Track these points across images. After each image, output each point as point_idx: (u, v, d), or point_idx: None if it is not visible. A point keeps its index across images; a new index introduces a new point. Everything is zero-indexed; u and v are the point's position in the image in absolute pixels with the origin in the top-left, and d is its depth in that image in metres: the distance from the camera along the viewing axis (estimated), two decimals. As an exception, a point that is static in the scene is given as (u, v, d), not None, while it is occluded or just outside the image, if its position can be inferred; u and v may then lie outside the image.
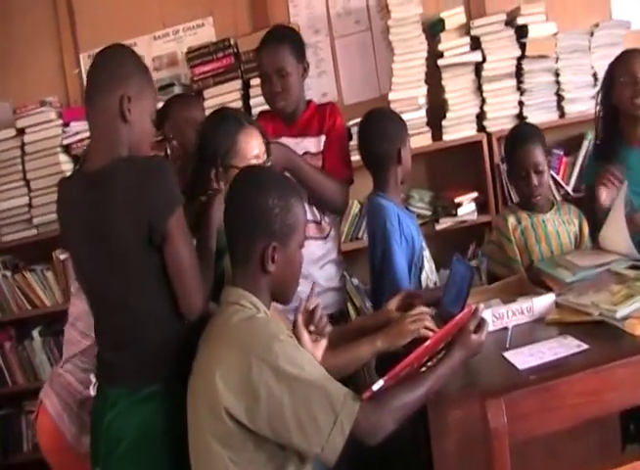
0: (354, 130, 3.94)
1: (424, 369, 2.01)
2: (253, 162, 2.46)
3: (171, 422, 2.09)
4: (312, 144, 3.04)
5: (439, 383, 1.96)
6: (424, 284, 2.84)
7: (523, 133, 3.07)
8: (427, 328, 2.24)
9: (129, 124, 2.13)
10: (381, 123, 2.92)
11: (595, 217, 2.97)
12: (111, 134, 2.12)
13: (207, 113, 3.83)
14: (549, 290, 2.52)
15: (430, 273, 2.88)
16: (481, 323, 2.03)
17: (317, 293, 2.96)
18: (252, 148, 2.48)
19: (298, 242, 2.06)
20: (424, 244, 2.93)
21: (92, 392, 2.32)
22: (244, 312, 1.97)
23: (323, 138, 3.08)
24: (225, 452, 1.89)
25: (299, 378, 1.84)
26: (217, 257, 2.35)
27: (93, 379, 2.33)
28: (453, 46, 4.01)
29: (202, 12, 4.36)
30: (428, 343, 1.96)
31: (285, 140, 3.01)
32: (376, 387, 1.87)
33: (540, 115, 4.02)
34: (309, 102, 3.14)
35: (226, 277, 2.26)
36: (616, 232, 2.73)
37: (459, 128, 4.05)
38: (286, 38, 3.04)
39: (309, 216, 2.98)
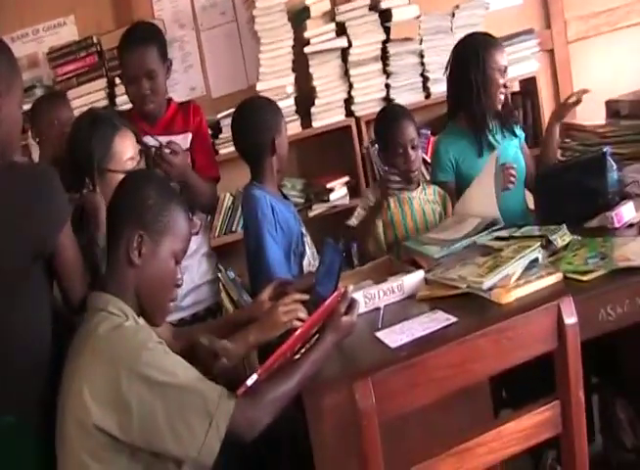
0: (224, 123, 3.94)
1: (298, 357, 1.99)
2: (129, 164, 2.42)
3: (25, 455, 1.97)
4: (178, 141, 2.98)
5: (314, 369, 1.95)
6: (306, 270, 2.82)
7: (395, 112, 3.11)
8: (299, 319, 2.22)
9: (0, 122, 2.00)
10: (253, 114, 2.87)
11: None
12: None
13: (75, 112, 3.77)
14: (418, 267, 2.54)
15: (312, 259, 2.87)
16: (352, 304, 2.03)
17: (192, 288, 2.96)
18: (127, 151, 2.43)
19: (172, 249, 1.99)
20: (304, 230, 2.92)
21: None
22: (110, 321, 1.89)
23: (189, 136, 3.05)
24: (98, 467, 1.82)
25: (172, 384, 1.79)
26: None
27: None
28: (319, 33, 4.02)
29: (63, 10, 4.20)
30: (299, 331, 1.95)
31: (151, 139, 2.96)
32: (250, 381, 1.83)
33: (407, 96, 4.09)
34: (169, 100, 3.09)
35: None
36: (482, 193, 2.80)
37: (328, 114, 4.07)
38: (150, 38, 2.95)
39: None
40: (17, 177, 1.97)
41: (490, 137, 3.17)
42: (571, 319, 1.75)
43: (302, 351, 2.02)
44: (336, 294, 2.04)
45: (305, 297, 2.35)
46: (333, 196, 4.03)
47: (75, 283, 2.09)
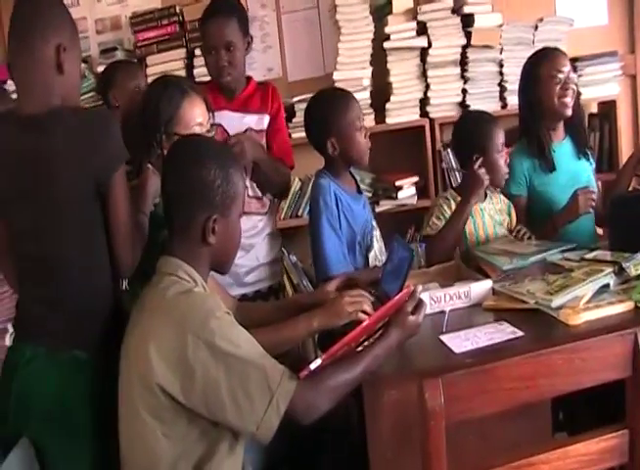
0: (298, 107, 3.97)
1: (361, 349, 2.00)
2: (197, 129, 2.44)
3: (90, 393, 2.07)
4: (254, 121, 3.04)
5: (376, 363, 1.96)
6: (371, 263, 2.83)
7: (485, 117, 3.05)
8: (364, 312, 2.23)
9: (64, 76, 2.10)
10: (318, 108, 2.84)
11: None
12: (45, 85, 2.08)
13: (152, 78, 3.83)
14: (486, 276, 2.55)
15: (379, 253, 2.87)
16: (419, 304, 2.03)
17: (255, 266, 3.00)
18: (196, 116, 2.45)
19: (238, 212, 2.04)
20: (374, 223, 2.91)
21: (7, 342, 2.26)
22: (181, 285, 1.93)
23: (266, 117, 3.09)
24: (157, 425, 1.86)
25: (236, 356, 1.82)
26: (157, 227, 2.33)
27: (10, 328, 2.27)
28: (399, 30, 4.04)
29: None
30: (365, 323, 1.96)
31: (227, 114, 3.01)
32: (313, 366, 1.85)
33: (483, 104, 4.07)
34: (249, 78, 3.13)
35: None
36: None
37: (402, 112, 4.09)
38: (232, 11, 3.01)
39: (250, 192, 3.02)
40: (80, 117, 2.06)
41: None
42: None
43: (366, 344, 2.03)
44: (404, 292, 2.04)
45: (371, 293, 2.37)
46: (401, 194, 4.06)
47: (124, 239, 2.14)
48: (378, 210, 4.04)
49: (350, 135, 2.76)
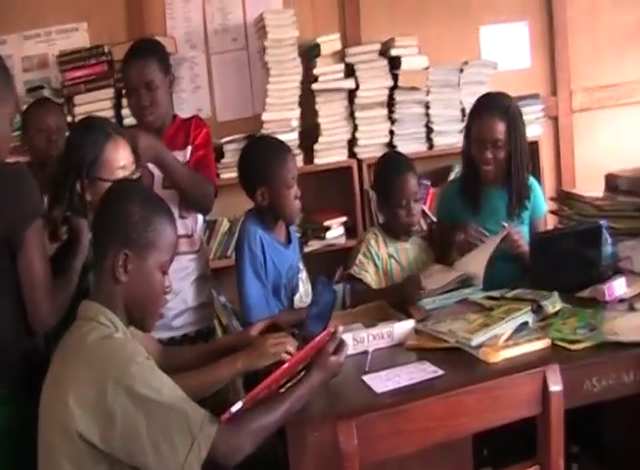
0: (228, 148, 3.97)
1: (283, 390, 2.00)
2: (120, 173, 2.41)
3: (13, 426, 2.05)
4: (179, 157, 3.00)
5: (298, 404, 1.96)
6: (296, 305, 2.85)
7: (400, 162, 3.09)
8: (288, 353, 2.23)
9: None
10: (250, 158, 2.89)
11: (441, 252, 3.11)
12: None
13: (80, 117, 3.79)
14: (409, 315, 2.57)
15: (304, 295, 2.89)
16: (340, 345, 2.05)
17: (183, 310, 2.97)
18: (119, 159, 2.43)
19: (159, 262, 1.99)
20: (301, 266, 2.93)
21: None
22: (100, 331, 1.90)
23: (189, 149, 3.06)
24: None
25: (156, 401, 1.79)
26: (83, 272, 2.32)
27: None
28: (328, 71, 4.09)
29: (76, 16, 4.20)
30: (287, 365, 1.98)
31: None
32: (234, 408, 1.85)
33: (410, 145, 4.15)
34: (175, 116, 3.12)
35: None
36: (477, 256, 2.88)
37: (331, 153, 4.13)
38: (152, 51, 3.03)
39: (181, 230, 2.94)
40: None
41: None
42: (556, 387, 1.79)
43: (288, 385, 2.03)
44: (325, 332, 2.06)
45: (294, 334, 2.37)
46: (329, 234, 4.10)
47: (38, 295, 2.13)
48: (307, 249, 4.03)
49: (281, 191, 2.78)
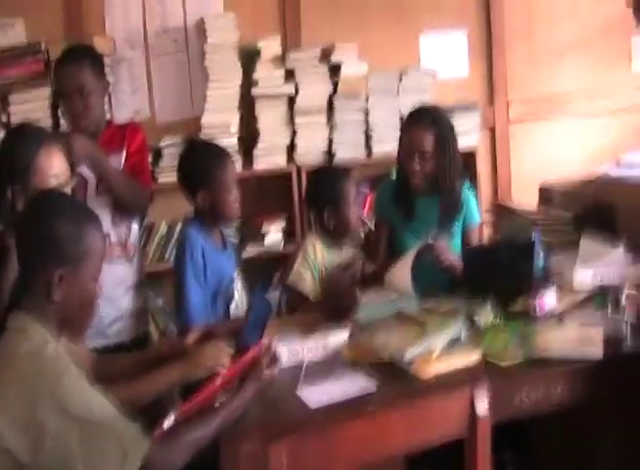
0: (166, 152, 3.95)
1: (217, 404, 2.01)
2: (53, 181, 2.38)
3: None
4: (115, 161, 2.97)
5: (232, 417, 1.97)
6: (232, 314, 2.83)
7: (339, 169, 3.18)
8: (223, 365, 2.23)
9: None
10: (188, 159, 2.91)
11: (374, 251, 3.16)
12: None
13: (15, 117, 3.82)
14: (345, 324, 2.59)
15: (240, 303, 2.87)
16: (274, 358, 2.10)
17: (119, 317, 2.94)
18: (52, 167, 2.39)
19: (91, 272, 1.97)
20: (235, 274, 2.92)
21: None
22: (30, 344, 1.86)
23: (123, 153, 3.04)
24: None
25: (88, 418, 1.77)
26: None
27: None
28: (268, 76, 4.08)
29: (12, 11, 4.06)
30: (220, 380, 2.00)
31: None
32: (167, 424, 1.85)
33: (348, 151, 4.16)
34: (109, 122, 3.10)
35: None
36: (400, 271, 2.89)
37: (270, 158, 4.12)
38: (85, 56, 3.02)
39: (114, 238, 2.98)
40: None
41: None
42: (482, 410, 1.82)
43: (222, 399, 2.03)
44: (259, 346, 2.09)
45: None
46: (268, 239, 4.10)
47: None
48: (245, 255, 4.03)
49: (221, 195, 2.80)
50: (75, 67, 2.92)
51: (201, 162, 2.85)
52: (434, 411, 1.77)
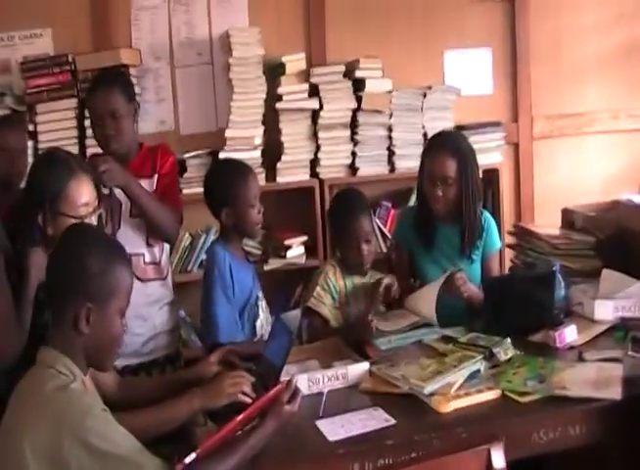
0: (190, 163, 3.99)
1: (237, 434, 2.04)
2: (83, 210, 2.41)
3: None
4: (146, 185, 3.01)
5: (251, 453, 2.00)
6: (258, 332, 2.89)
7: (352, 204, 3.11)
8: (244, 393, 2.26)
9: None
10: (213, 178, 2.98)
11: (398, 276, 3.13)
12: None
13: (41, 126, 3.90)
14: (365, 354, 2.62)
15: (265, 322, 2.93)
16: (295, 394, 2.12)
17: (152, 335, 3.00)
18: (82, 195, 2.42)
19: (118, 307, 2.00)
20: (260, 294, 2.97)
21: None
22: (59, 380, 1.91)
23: (155, 177, 3.08)
24: None
25: (112, 453, 1.81)
26: (37, 306, 2.31)
27: None
28: (292, 91, 4.09)
29: (41, 22, 4.13)
30: (241, 416, 2.02)
31: None
32: (188, 460, 1.88)
33: (371, 167, 4.18)
34: (141, 144, 3.13)
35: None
36: (425, 297, 2.91)
37: (293, 172, 4.14)
38: (114, 80, 3.08)
39: (147, 258, 3.03)
40: None
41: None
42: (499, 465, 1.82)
43: (242, 430, 2.06)
44: (280, 386, 2.13)
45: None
46: (290, 253, 4.11)
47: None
48: (266, 267, 4.06)
49: (245, 211, 2.87)
50: (107, 91, 2.96)
51: (223, 180, 2.91)
52: (451, 461, 1.78)
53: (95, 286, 1.95)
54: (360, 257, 3.04)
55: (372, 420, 2.20)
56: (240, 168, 2.97)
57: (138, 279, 2.89)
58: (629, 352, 2.35)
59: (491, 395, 2.28)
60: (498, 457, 1.78)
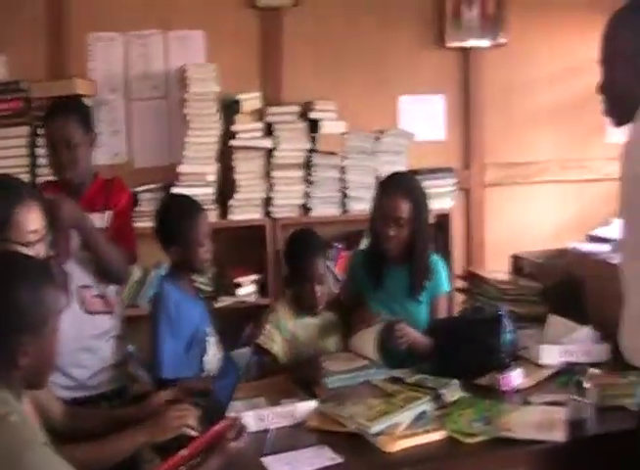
0: (143, 197, 3.96)
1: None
2: (31, 236, 2.37)
3: None
4: (97, 219, 2.98)
5: None
6: (206, 368, 2.87)
7: (307, 245, 3.12)
8: (189, 426, 2.24)
9: None
10: (164, 215, 2.99)
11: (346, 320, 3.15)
12: None
13: None
14: (313, 393, 2.61)
15: (213, 358, 2.91)
16: (241, 430, 2.12)
17: (100, 369, 2.96)
18: (30, 222, 2.38)
19: (53, 328, 1.94)
20: (209, 330, 2.96)
21: None
22: None
23: (108, 213, 3.04)
24: None
25: None
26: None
27: None
28: (247, 129, 4.13)
29: (-6, 46, 4.11)
30: (185, 451, 2.00)
31: None
32: None
33: (324, 208, 4.22)
34: (96, 175, 3.09)
35: None
36: (366, 340, 2.94)
37: (246, 210, 4.15)
38: (74, 108, 3.07)
39: (95, 291, 2.96)
40: None
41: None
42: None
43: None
44: (226, 422, 2.13)
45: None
46: (241, 291, 4.11)
47: None
48: (217, 305, 4.03)
49: (193, 249, 2.89)
50: (64, 119, 2.93)
51: (173, 218, 2.93)
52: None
53: (27, 319, 1.88)
54: (313, 298, 3.04)
55: (318, 458, 2.18)
56: (190, 207, 2.99)
57: (86, 312, 2.89)
58: (572, 396, 2.37)
59: (437, 435, 2.27)
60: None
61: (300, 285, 3.07)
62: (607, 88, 2.08)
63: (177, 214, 2.93)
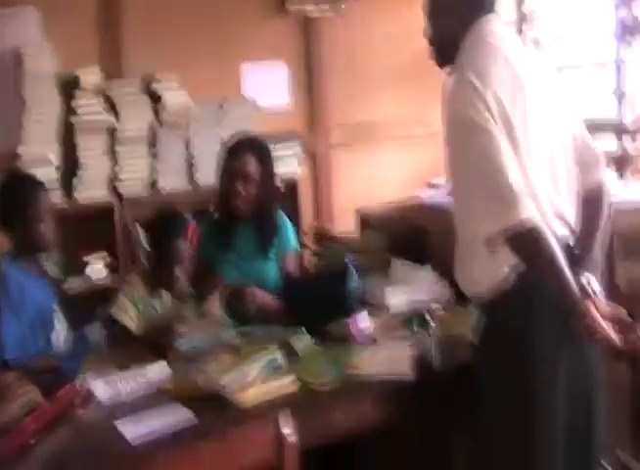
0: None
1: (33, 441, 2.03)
2: None
3: None
4: None
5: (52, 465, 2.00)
6: (54, 344, 2.81)
7: (171, 228, 3.17)
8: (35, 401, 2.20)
9: None
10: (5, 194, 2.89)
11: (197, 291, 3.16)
12: None
13: None
14: (166, 356, 2.59)
15: (60, 334, 2.86)
16: (88, 398, 2.18)
17: None
18: None
19: None
20: (55, 306, 2.91)
21: None
22: None
23: None
24: None
25: None
26: None
27: None
28: (87, 104, 4.02)
29: None
30: (27, 422, 2.03)
31: None
32: None
33: (172, 181, 4.18)
34: None
35: None
36: (216, 307, 3.00)
37: (91, 189, 4.05)
38: None
39: None
40: None
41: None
42: (288, 435, 1.85)
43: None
44: (69, 389, 2.16)
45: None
46: (90, 272, 4.03)
47: None
48: (67, 287, 3.92)
49: (34, 226, 2.81)
50: None
51: (10, 195, 2.85)
52: (245, 440, 1.80)
53: None
54: (171, 277, 3.12)
55: (173, 417, 2.16)
56: (26, 183, 2.92)
57: None
58: (415, 329, 2.45)
59: (289, 383, 2.31)
60: (286, 427, 1.81)
61: (165, 264, 3.12)
62: (434, 39, 2.29)
63: (14, 192, 2.86)
